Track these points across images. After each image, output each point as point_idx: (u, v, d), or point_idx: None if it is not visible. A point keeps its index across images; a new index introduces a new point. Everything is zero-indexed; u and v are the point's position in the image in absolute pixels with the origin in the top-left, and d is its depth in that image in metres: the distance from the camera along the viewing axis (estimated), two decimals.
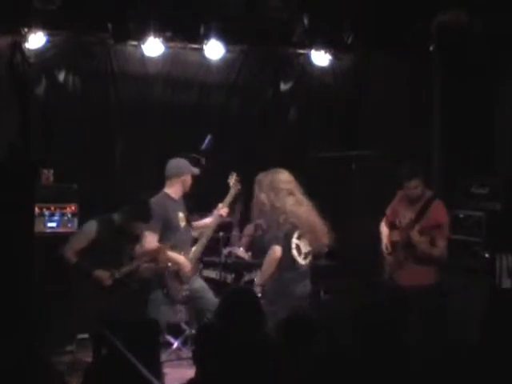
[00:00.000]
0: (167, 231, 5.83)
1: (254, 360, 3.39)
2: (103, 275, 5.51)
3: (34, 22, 6.65)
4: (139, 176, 7.31)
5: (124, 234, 5.64)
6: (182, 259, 5.85)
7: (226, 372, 3.31)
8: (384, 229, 5.95)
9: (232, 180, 6.15)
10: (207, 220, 6.21)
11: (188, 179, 6.00)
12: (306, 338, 3.55)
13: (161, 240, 5.83)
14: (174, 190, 5.96)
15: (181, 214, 5.96)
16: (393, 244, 5.81)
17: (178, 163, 6.00)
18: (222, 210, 6.11)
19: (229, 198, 6.16)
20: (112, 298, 5.57)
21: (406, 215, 5.74)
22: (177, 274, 5.83)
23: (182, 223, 5.98)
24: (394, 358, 3.59)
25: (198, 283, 6.00)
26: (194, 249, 6.01)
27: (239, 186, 6.18)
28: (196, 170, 6.06)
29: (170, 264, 5.80)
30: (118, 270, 5.61)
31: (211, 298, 5.97)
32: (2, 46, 6.85)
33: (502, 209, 6.36)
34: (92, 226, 5.63)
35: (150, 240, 5.74)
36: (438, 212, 5.70)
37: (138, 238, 5.73)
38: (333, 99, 7.94)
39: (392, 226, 5.89)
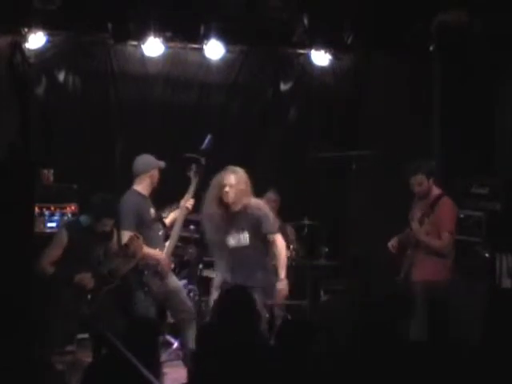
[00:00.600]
0: (141, 228, 5.81)
1: (251, 360, 3.39)
2: (85, 278, 5.49)
3: (34, 22, 6.65)
4: None
5: (94, 234, 5.63)
6: (160, 255, 5.84)
7: (224, 372, 3.31)
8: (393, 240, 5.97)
9: (192, 172, 6.12)
10: (175, 214, 6.19)
11: (156, 174, 5.97)
12: (305, 338, 3.54)
13: None
14: (142, 186, 5.94)
15: (152, 210, 5.96)
16: (405, 243, 5.82)
17: (144, 159, 5.98)
18: (188, 202, 6.08)
19: (192, 189, 6.09)
20: (100, 299, 5.57)
21: (417, 213, 5.77)
22: (156, 270, 5.82)
23: (154, 219, 5.98)
24: (394, 357, 3.60)
25: (174, 281, 6.00)
26: (167, 244, 6.01)
27: (198, 177, 6.11)
28: (162, 164, 6.01)
29: (149, 261, 5.80)
30: (106, 267, 5.59)
31: (185, 298, 6.01)
32: (2, 45, 6.85)
33: (501, 209, 6.36)
34: (63, 234, 5.59)
35: (126, 238, 5.73)
36: (443, 209, 5.72)
37: (109, 236, 5.71)
38: (333, 99, 7.94)
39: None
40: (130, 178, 7.15)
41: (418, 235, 5.63)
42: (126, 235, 5.67)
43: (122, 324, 5.01)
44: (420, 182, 5.74)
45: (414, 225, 5.65)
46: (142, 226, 5.81)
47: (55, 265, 5.49)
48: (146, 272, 5.78)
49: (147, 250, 5.79)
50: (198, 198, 6.04)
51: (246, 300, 3.91)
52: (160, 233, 5.99)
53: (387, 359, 3.58)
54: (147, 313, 5.72)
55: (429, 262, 5.65)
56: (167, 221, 6.12)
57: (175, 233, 6.04)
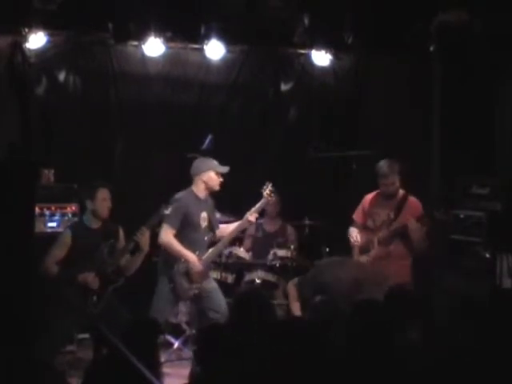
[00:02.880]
0: (186, 228, 5.84)
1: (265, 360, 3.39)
2: (88, 277, 5.50)
3: (34, 22, 6.65)
4: (139, 176, 7.31)
5: (99, 233, 5.64)
6: (192, 258, 5.83)
7: (233, 372, 3.31)
8: (355, 232, 6.05)
9: (266, 190, 6.10)
10: (234, 225, 6.20)
11: (210, 177, 5.97)
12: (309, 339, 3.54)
13: (179, 236, 5.84)
14: (197, 188, 5.97)
15: (204, 214, 5.95)
16: (365, 244, 5.95)
17: (199, 161, 6.04)
18: (252, 215, 6.06)
19: (259, 206, 6.09)
20: (106, 298, 5.58)
21: (382, 213, 5.91)
22: (187, 272, 5.83)
23: (204, 223, 5.96)
24: (391, 358, 3.60)
25: (211, 285, 6.00)
26: (210, 250, 6.01)
27: (273, 198, 6.15)
28: (224, 169, 6.00)
29: (180, 260, 5.81)
30: (110, 265, 5.60)
31: (218, 299, 5.97)
32: (2, 45, 6.85)
33: (502, 209, 6.37)
34: (67, 234, 5.61)
35: (166, 233, 5.78)
36: (414, 207, 5.92)
37: (114, 235, 5.72)
38: (333, 99, 7.93)
39: (363, 228, 6.07)
40: (130, 178, 7.21)
41: (416, 234, 5.71)
42: (165, 229, 5.74)
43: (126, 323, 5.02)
44: (393, 182, 5.88)
45: (413, 223, 5.72)
46: (188, 226, 5.84)
47: (59, 264, 5.50)
48: (175, 268, 5.79)
49: (179, 248, 5.81)
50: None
51: (261, 300, 3.90)
52: (206, 238, 5.99)
53: (385, 359, 3.59)
54: (162, 310, 5.74)
55: (395, 265, 5.80)
56: (223, 230, 6.13)
57: (224, 242, 6.07)
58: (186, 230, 5.84)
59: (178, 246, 5.81)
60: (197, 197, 5.95)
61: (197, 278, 5.85)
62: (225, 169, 6.03)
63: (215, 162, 6.03)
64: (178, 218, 5.77)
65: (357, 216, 6.18)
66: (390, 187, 5.93)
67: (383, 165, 5.95)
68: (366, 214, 6.09)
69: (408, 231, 5.79)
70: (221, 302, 5.95)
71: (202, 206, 5.95)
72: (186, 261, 5.82)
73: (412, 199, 5.98)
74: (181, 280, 5.81)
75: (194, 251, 5.86)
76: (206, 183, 5.97)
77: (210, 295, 5.92)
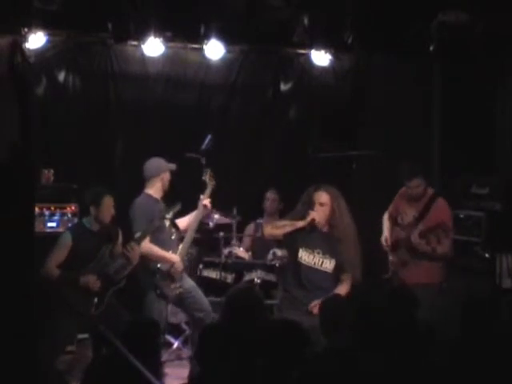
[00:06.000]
0: (155, 232, 5.82)
1: (255, 359, 3.39)
2: (90, 279, 5.50)
3: (34, 22, 6.65)
4: (139, 176, 7.30)
5: (99, 235, 5.64)
6: (175, 258, 5.84)
7: (229, 371, 3.30)
8: (386, 222, 6.00)
9: (207, 176, 6.13)
10: (192, 215, 6.19)
11: (167, 177, 5.99)
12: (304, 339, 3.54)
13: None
14: (154, 189, 5.95)
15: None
16: (395, 242, 5.85)
17: (155, 162, 6.00)
18: (205, 200, 6.09)
19: (208, 192, 6.12)
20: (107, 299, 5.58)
21: (409, 213, 5.81)
22: (168, 273, 5.82)
23: (167, 223, 5.98)
24: (398, 357, 3.60)
25: (188, 283, 6.00)
26: (180, 246, 6.00)
27: (214, 182, 6.15)
28: (173, 166, 6.03)
29: (159, 265, 5.79)
30: (111, 267, 5.60)
31: (199, 297, 5.97)
32: (2, 45, 6.85)
33: (501, 209, 6.37)
34: (67, 237, 5.60)
35: (144, 240, 5.74)
36: (441, 210, 5.77)
37: (114, 237, 5.72)
38: (333, 99, 7.92)
39: (394, 223, 5.94)
40: (129, 178, 7.20)
41: (420, 247, 5.66)
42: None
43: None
44: (418, 185, 5.76)
45: (414, 238, 5.65)
46: (156, 229, 5.81)
47: (61, 267, 5.50)
48: (157, 275, 5.78)
49: (161, 252, 5.79)
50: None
51: (252, 299, 3.90)
52: (173, 236, 5.98)
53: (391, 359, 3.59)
54: (159, 315, 5.72)
55: (424, 265, 5.70)
56: (183, 224, 6.12)
57: (190, 235, 6.03)
58: (155, 234, 5.82)
59: (158, 251, 5.80)
60: (154, 198, 5.93)
61: (178, 277, 5.85)
62: (174, 166, 6.04)
63: (165, 162, 6.03)
64: (145, 224, 5.72)
65: (391, 208, 6.07)
66: (414, 190, 5.76)
67: (404, 168, 5.80)
68: (397, 209, 5.97)
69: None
70: (202, 299, 5.95)
71: (160, 207, 5.92)
72: (170, 262, 5.80)
73: (441, 200, 5.79)
74: (165, 282, 5.80)
75: (167, 251, 5.86)
76: (164, 183, 5.98)
77: (190, 295, 5.91)
